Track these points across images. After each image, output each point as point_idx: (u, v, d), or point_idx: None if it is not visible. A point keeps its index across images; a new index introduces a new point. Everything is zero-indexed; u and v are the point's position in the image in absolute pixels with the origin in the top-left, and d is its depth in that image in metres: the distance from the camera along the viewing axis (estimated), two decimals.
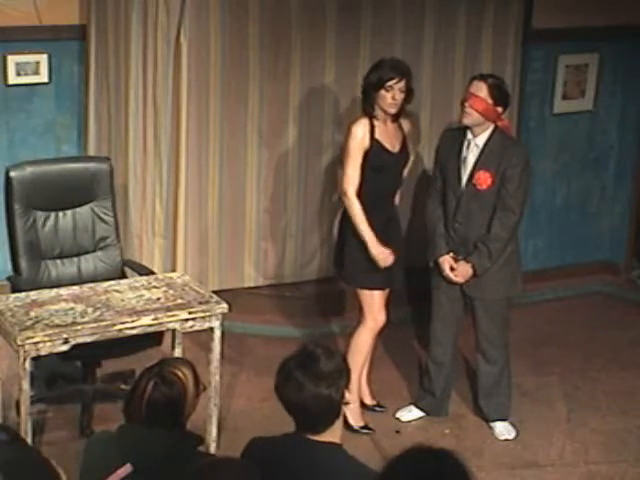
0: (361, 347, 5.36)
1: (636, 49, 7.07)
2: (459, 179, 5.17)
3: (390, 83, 5.11)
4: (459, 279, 5.22)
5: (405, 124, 5.38)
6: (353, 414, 5.37)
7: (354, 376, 5.33)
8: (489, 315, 5.28)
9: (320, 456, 3.24)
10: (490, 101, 5.05)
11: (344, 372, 3.30)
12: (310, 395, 3.20)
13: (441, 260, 5.24)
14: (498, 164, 5.09)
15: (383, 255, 5.22)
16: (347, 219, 5.32)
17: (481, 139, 5.12)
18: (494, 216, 5.13)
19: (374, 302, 5.32)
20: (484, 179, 5.10)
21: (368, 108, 5.21)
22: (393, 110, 5.19)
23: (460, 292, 5.29)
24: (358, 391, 5.43)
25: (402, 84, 5.14)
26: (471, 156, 5.14)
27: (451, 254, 5.22)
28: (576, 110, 7.10)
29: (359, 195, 5.21)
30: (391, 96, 5.13)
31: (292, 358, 3.28)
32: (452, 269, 5.22)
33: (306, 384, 3.20)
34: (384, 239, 5.27)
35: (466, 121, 5.10)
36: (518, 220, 5.18)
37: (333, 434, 3.28)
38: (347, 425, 5.33)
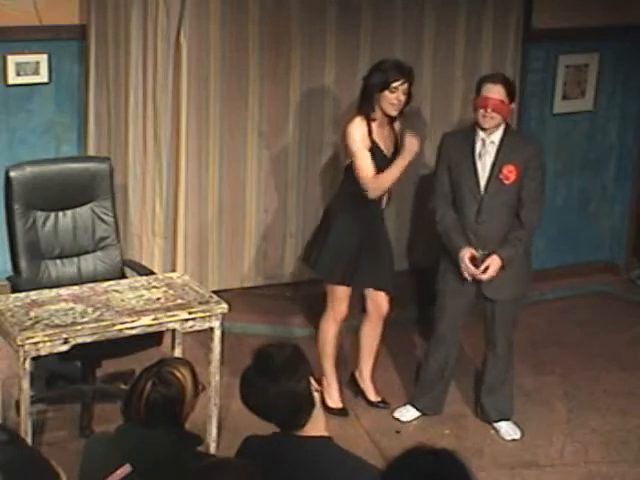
0: (325, 336, 5.50)
1: (636, 49, 7.06)
2: (477, 179, 5.15)
3: (395, 84, 5.13)
4: (489, 275, 5.10)
5: (396, 125, 5.39)
6: (331, 396, 5.49)
7: (327, 364, 5.50)
8: (505, 315, 5.28)
9: (312, 451, 3.21)
10: (507, 101, 5.08)
11: (300, 360, 3.23)
12: (274, 394, 3.14)
13: (462, 253, 5.13)
14: (520, 157, 5.13)
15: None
16: (331, 212, 5.37)
17: (496, 136, 5.13)
18: (523, 208, 5.15)
19: (334, 293, 5.42)
20: (510, 173, 5.11)
21: (367, 109, 5.21)
22: (395, 112, 5.20)
23: (473, 295, 5.24)
24: (336, 375, 5.53)
25: (406, 86, 5.17)
26: (488, 154, 5.14)
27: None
28: (576, 110, 7.10)
29: (353, 193, 5.23)
30: (395, 97, 5.15)
31: (248, 367, 3.23)
32: (479, 266, 5.10)
33: (266, 385, 3.14)
34: (371, 239, 5.32)
35: (489, 125, 5.07)
36: (542, 208, 5.28)
37: (315, 425, 3.22)
38: (325, 406, 5.36)
